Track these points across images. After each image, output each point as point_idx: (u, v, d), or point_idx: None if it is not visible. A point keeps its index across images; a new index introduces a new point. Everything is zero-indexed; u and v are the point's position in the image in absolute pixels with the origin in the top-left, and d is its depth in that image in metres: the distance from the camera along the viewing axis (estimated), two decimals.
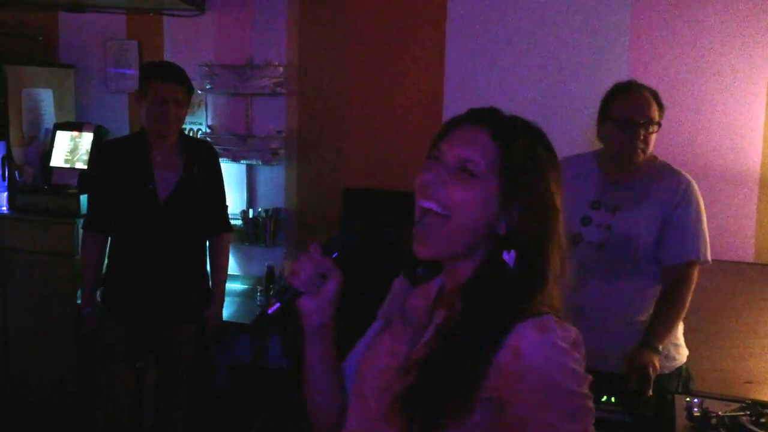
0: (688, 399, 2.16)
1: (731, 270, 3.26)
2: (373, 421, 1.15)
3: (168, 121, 2.77)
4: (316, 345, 1.23)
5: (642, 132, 2.41)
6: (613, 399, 2.16)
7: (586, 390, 1.04)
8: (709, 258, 2.46)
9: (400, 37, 3.70)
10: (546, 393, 1.01)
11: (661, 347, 2.35)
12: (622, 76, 2.96)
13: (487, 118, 1.17)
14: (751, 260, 3.28)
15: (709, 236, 3.12)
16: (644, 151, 2.44)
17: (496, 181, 1.12)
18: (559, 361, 1.03)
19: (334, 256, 1.17)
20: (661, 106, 2.45)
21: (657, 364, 2.33)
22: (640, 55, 3.34)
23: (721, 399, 2.25)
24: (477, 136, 1.14)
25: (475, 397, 1.05)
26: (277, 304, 1.17)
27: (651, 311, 2.48)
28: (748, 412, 2.09)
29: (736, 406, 2.15)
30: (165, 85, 2.75)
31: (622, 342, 2.46)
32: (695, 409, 2.07)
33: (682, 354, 2.50)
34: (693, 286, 2.43)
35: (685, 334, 2.62)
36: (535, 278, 1.14)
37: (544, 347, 1.04)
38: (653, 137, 2.43)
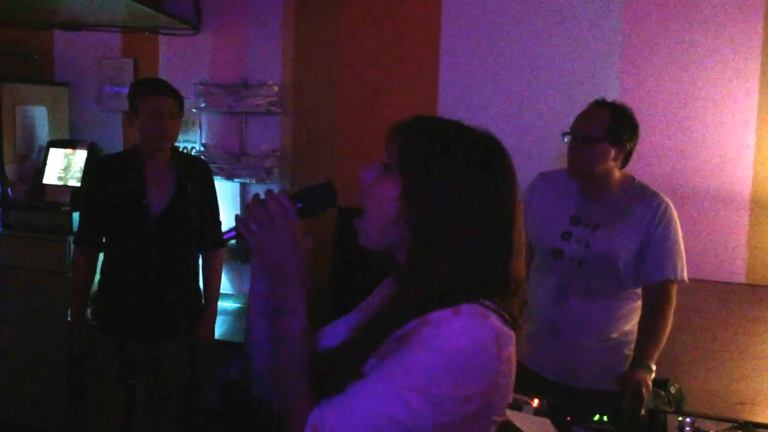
0: (680, 418, 2.15)
1: (723, 291, 3.28)
2: None
3: (165, 134, 2.79)
4: (259, 279, 1.30)
5: (575, 144, 2.45)
6: (605, 418, 2.15)
7: (467, 389, 1.07)
8: (686, 278, 2.49)
9: (393, 57, 3.73)
10: (423, 354, 1.06)
11: (653, 365, 2.36)
12: (614, 97, 2.99)
13: (413, 120, 1.25)
14: (743, 281, 3.29)
15: (701, 257, 3.15)
16: (583, 165, 2.45)
17: (399, 176, 1.17)
18: (460, 341, 1.07)
19: (299, 206, 1.21)
20: (619, 122, 2.43)
21: (650, 383, 2.34)
22: (631, 75, 3.38)
23: (713, 419, 2.25)
24: (398, 135, 1.22)
25: (365, 359, 1.12)
26: (233, 233, 1.22)
27: (625, 329, 2.53)
28: None
29: (727, 426, 2.15)
30: (159, 98, 2.77)
31: (594, 358, 2.52)
32: (687, 429, 2.07)
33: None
34: (674, 303, 2.46)
35: (676, 354, 2.63)
36: (443, 268, 1.13)
37: (456, 323, 1.08)
38: (599, 152, 2.41)
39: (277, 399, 1.18)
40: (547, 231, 2.58)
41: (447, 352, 1.06)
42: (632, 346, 2.49)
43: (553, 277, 2.57)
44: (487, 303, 1.12)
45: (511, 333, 1.13)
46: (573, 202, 2.55)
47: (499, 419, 1.17)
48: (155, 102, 2.76)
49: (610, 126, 2.41)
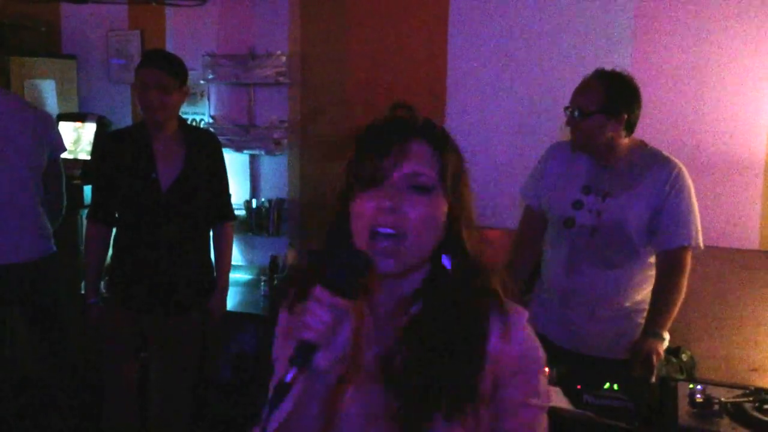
0: (691, 385, 2.15)
1: (736, 258, 3.26)
2: None
3: (153, 106, 2.75)
4: (319, 398, 1.03)
5: (571, 119, 2.45)
6: (616, 386, 2.16)
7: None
8: (701, 244, 2.45)
9: (402, 26, 3.69)
10: (528, 374, 1.15)
11: (664, 334, 2.36)
12: (626, 66, 2.95)
13: (423, 129, 1.14)
14: (756, 248, 3.27)
15: (715, 224, 3.13)
16: (582, 139, 2.46)
17: (441, 191, 1.12)
18: (537, 346, 1.17)
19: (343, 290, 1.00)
20: (612, 91, 2.41)
21: (661, 351, 2.34)
22: (644, 46, 3.32)
23: (724, 386, 2.24)
24: (421, 148, 1.12)
25: (477, 389, 1.11)
26: (294, 370, 0.97)
27: (637, 298, 2.52)
28: (752, 399, 2.08)
29: (739, 392, 2.15)
30: (147, 70, 2.75)
31: (606, 327, 2.52)
32: (698, 396, 2.06)
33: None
34: (687, 271, 2.43)
35: (688, 321, 2.62)
36: (479, 272, 1.17)
37: (525, 334, 1.16)
38: (595, 124, 2.41)
39: None
40: (559, 200, 2.57)
41: (538, 359, 1.18)
42: (644, 315, 2.48)
43: (564, 246, 2.57)
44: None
45: None
46: (585, 171, 2.54)
47: None
48: (143, 74, 2.75)
49: (605, 98, 2.39)
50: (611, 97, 2.40)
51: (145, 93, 2.74)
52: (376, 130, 1.15)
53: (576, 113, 2.43)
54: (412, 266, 1.12)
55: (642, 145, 2.51)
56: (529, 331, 1.16)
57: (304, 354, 0.97)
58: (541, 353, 1.16)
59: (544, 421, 1.15)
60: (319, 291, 0.99)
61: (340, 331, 0.99)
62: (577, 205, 2.51)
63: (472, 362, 1.10)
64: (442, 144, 1.14)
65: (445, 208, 1.13)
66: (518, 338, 1.13)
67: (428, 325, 1.11)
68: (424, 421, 1.07)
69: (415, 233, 1.08)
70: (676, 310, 2.41)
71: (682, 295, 2.42)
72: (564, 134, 2.66)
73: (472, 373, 1.10)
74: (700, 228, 2.45)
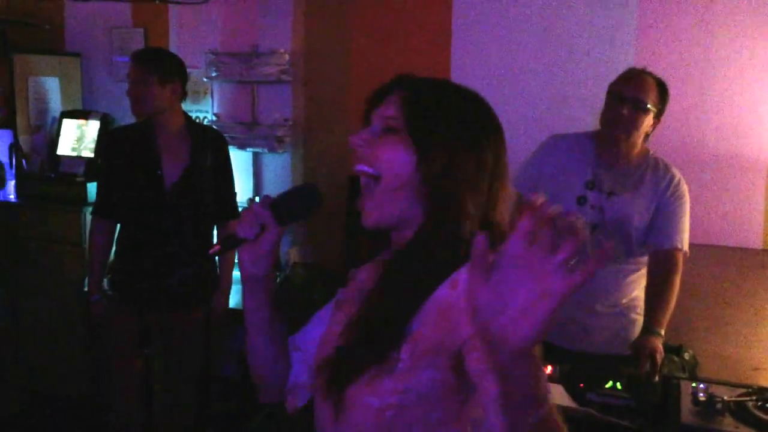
0: (694, 384, 2.15)
1: (739, 256, 3.26)
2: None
3: (132, 99, 2.81)
4: (249, 296, 1.26)
5: (626, 107, 2.44)
6: (618, 384, 2.16)
7: None
8: (687, 249, 2.54)
9: (406, 24, 3.69)
10: None
11: (663, 332, 2.39)
12: (629, 62, 2.95)
13: (401, 82, 1.21)
14: (759, 247, 3.27)
15: (717, 222, 3.16)
16: (628, 130, 2.46)
17: (408, 138, 1.12)
18: None
19: (274, 210, 1.20)
20: (663, 96, 2.50)
21: (662, 349, 2.36)
22: (648, 41, 3.32)
23: (727, 384, 2.24)
24: (393, 98, 1.17)
25: (401, 333, 1.05)
26: (217, 247, 1.26)
27: (632, 294, 2.60)
28: (754, 398, 2.08)
29: (742, 391, 2.15)
30: (131, 65, 2.82)
31: (604, 323, 2.59)
32: (701, 394, 2.06)
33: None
34: (681, 271, 2.52)
35: (691, 320, 2.66)
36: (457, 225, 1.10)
37: None
38: (644, 121, 2.46)
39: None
40: (562, 195, 2.57)
41: None
42: (638, 311, 2.57)
43: None
44: None
45: None
46: (589, 166, 2.57)
47: None
48: (128, 70, 2.83)
49: (660, 100, 2.48)
50: (662, 100, 2.50)
51: (129, 87, 2.80)
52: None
53: (630, 102, 2.44)
54: (393, 218, 1.14)
55: (646, 151, 2.59)
56: None
57: (230, 242, 1.22)
58: None
59: None
60: (257, 205, 1.19)
61: (262, 237, 1.19)
62: (581, 200, 2.56)
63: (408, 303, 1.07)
64: (413, 92, 1.17)
65: (412, 156, 1.11)
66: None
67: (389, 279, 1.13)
68: (353, 370, 1.08)
69: (387, 174, 1.12)
70: (673, 308, 2.48)
71: (677, 294, 2.50)
72: (575, 128, 2.67)
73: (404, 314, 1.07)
74: (688, 236, 2.56)
